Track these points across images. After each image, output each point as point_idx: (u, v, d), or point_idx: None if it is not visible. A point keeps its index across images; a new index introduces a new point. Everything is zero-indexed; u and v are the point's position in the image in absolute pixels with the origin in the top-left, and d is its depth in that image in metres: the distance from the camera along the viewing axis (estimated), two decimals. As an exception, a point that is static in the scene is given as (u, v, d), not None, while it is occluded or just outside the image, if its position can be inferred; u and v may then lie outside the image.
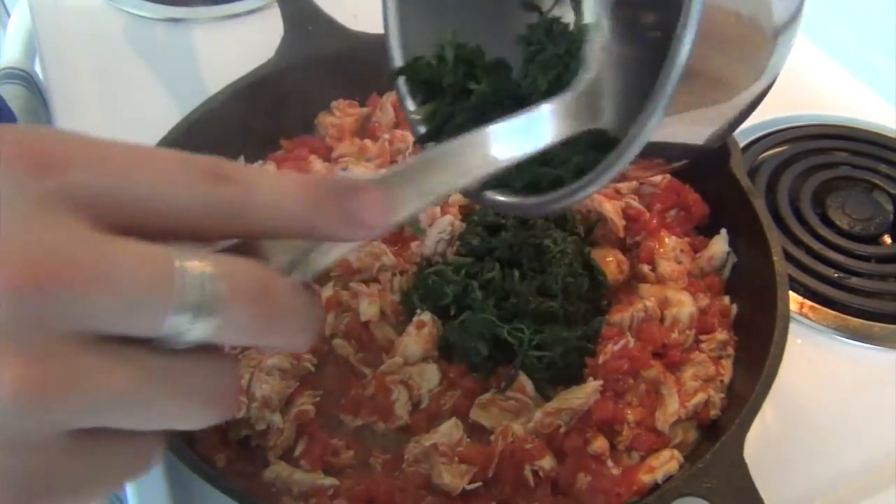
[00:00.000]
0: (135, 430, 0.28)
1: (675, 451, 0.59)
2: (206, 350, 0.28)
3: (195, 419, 0.28)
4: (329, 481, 0.56)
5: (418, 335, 0.63)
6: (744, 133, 0.90)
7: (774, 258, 0.65)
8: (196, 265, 0.26)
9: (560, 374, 0.62)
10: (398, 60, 0.51)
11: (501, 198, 0.46)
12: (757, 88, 0.44)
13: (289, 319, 0.29)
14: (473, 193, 0.47)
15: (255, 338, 0.29)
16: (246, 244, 0.31)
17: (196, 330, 0.27)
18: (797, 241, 0.80)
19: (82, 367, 0.25)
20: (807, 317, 0.74)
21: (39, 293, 0.24)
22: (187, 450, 0.55)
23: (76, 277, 0.25)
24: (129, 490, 0.60)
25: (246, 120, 0.76)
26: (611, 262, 0.70)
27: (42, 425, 0.25)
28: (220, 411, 0.29)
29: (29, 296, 0.24)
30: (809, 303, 0.75)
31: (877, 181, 0.86)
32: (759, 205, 0.69)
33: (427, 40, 0.50)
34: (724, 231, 0.71)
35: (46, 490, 0.26)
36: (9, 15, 1.22)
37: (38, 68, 1.04)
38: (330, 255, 0.33)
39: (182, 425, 0.28)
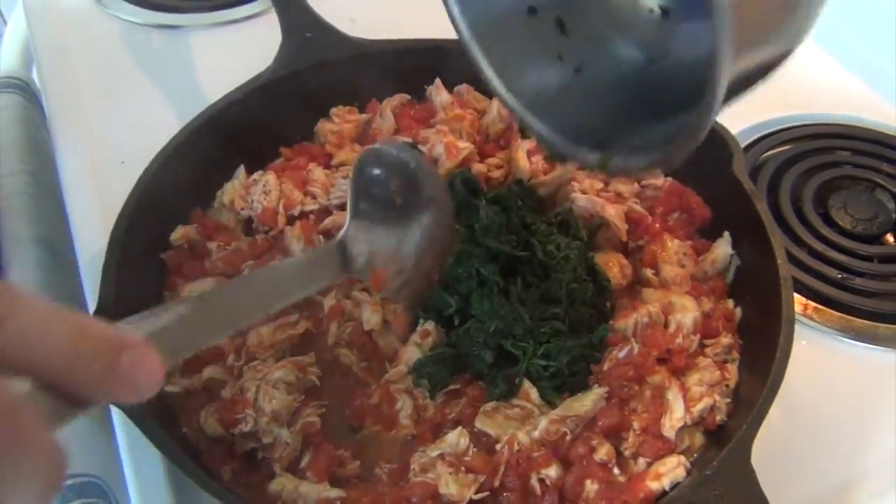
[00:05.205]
0: None
1: (682, 458, 0.58)
2: None
3: None
4: (335, 493, 0.56)
5: (423, 344, 0.63)
6: (745, 133, 0.90)
7: (779, 261, 0.64)
8: None
9: (565, 382, 0.62)
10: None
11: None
12: None
13: (31, 459, 0.25)
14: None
15: None
16: None
17: None
18: (800, 242, 0.79)
19: None
20: (811, 318, 0.74)
21: None
22: (192, 463, 0.54)
23: None
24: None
25: (245, 128, 0.76)
26: (613, 267, 0.70)
27: None
28: None
29: None
30: (813, 304, 0.75)
31: (879, 180, 0.86)
32: (763, 208, 0.68)
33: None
34: (727, 234, 0.71)
35: None
36: (5, 23, 1.21)
37: (35, 76, 1.03)
38: None
39: None
